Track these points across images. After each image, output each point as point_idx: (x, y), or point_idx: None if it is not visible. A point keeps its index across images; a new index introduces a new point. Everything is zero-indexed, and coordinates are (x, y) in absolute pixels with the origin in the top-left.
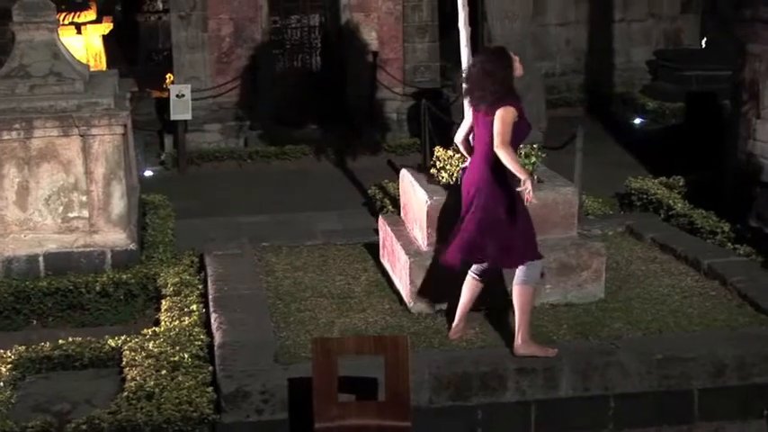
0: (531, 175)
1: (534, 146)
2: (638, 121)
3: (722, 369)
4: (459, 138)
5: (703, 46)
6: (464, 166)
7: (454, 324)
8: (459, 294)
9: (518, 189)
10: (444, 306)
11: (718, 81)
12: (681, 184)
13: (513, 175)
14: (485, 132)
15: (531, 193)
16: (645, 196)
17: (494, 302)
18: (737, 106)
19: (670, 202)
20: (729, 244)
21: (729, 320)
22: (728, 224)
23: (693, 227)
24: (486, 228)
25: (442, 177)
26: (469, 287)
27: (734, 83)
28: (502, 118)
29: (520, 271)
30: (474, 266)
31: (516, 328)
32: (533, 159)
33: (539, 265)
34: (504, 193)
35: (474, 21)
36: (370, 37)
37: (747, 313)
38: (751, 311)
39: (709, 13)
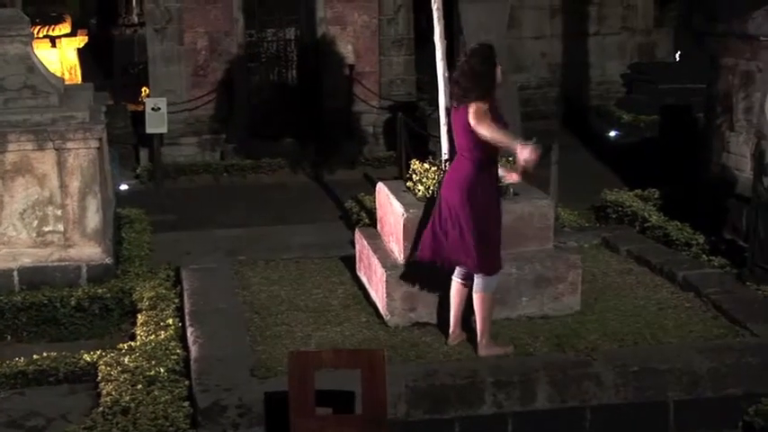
0: (518, 139)
1: (509, 158)
2: (613, 133)
3: (697, 381)
4: None
5: (677, 59)
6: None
7: (450, 331)
8: (437, 307)
9: (519, 157)
10: (421, 319)
11: (692, 94)
12: (656, 196)
13: (495, 181)
14: (464, 136)
15: (532, 152)
16: (620, 208)
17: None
18: (711, 119)
19: (645, 214)
20: (704, 256)
21: (704, 332)
22: (703, 236)
23: (668, 239)
24: (469, 235)
25: (419, 190)
26: (457, 292)
27: (707, 96)
28: (474, 110)
29: (478, 278)
30: (457, 271)
31: (479, 334)
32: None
33: (497, 276)
34: (485, 200)
35: (450, 34)
36: (347, 50)
37: (722, 325)
38: (725, 323)
39: (683, 27)
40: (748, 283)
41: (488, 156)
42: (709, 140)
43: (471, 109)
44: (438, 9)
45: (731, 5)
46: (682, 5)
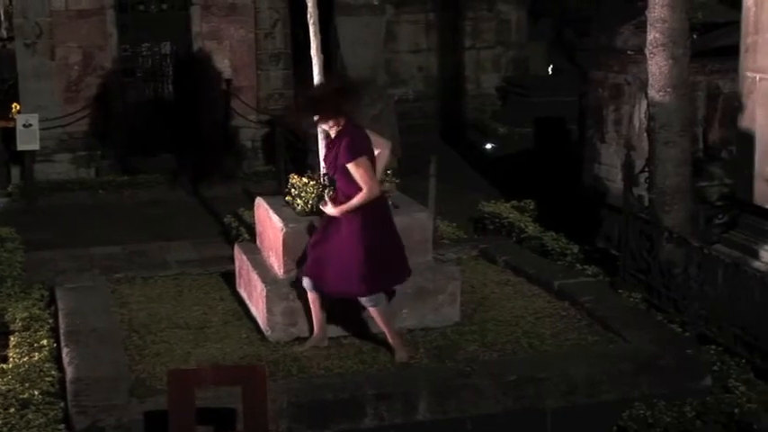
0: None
1: (388, 171)
2: (489, 146)
3: (573, 388)
4: None
5: (550, 73)
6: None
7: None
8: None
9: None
10: (302, 334)
11: (565, 107)
12: (531, 207)
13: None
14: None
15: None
16: (497, 220)
17: (353, 330)
18: (583, 131)
19: (521, 225)
20: (578, 265)
21: (580, 340)
22: (577, 246)
23: (544, 249)
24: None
25: (298, 205)
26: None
27: (579, 108)
28: (361, 168)
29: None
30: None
31: (392, 344)
32: (386, 185)
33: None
34: (362, 221)
35: (327, 48)
36: (223, 65)
37: (596, 332)
38: (600, 330)
39: (556, 42)
40: (620, 291)
41: None
42: (582, 152)
43: (354, 168)
44: (314, 23)
45: (600, 21)
46: (554, 21)
